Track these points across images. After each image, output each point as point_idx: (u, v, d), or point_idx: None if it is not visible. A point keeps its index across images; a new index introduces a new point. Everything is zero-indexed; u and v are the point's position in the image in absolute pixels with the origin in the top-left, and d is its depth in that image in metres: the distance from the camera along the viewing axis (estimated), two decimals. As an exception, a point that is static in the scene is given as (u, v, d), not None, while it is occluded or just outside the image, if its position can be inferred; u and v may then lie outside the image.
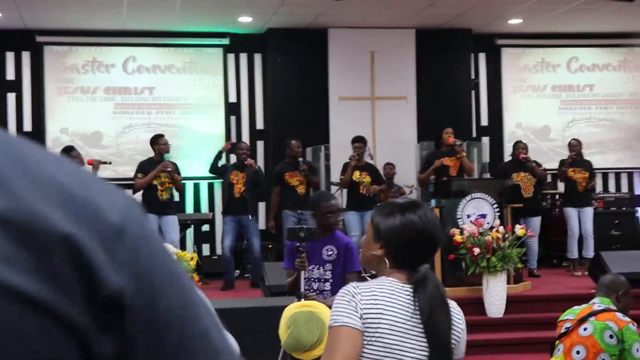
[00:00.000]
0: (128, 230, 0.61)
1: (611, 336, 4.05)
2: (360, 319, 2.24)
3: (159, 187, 8.91)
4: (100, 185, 0.63)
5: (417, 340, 2.28)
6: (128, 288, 0.59)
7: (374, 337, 2.25)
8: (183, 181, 9.66)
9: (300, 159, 9.58)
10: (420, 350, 2.29)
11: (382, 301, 2.27)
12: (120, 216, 0.61)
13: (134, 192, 9.28)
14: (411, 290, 2.31)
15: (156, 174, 8.89)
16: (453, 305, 2.39)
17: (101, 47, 11.24)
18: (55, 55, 11.13)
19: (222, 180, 9.92)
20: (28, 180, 0.58)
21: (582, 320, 4.13)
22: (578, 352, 4.08)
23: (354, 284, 2.34)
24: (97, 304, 0.58)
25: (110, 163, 9.17)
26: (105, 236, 0.59)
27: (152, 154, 9.37)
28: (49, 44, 11.08)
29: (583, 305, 4.28)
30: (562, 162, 9.92)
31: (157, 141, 9.27)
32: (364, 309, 2.25)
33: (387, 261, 2.38)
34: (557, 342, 4.25)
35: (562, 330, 4.22)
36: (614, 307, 4.20)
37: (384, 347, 2.26)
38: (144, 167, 9.17)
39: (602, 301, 4.23)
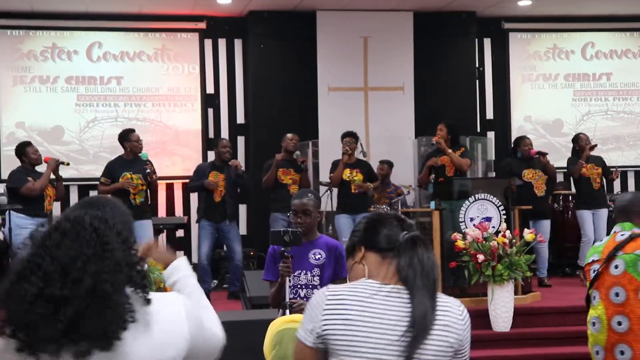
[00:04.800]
0: None
1: None
2: (317, 333, 2.35)
3: (130, 190, 8.77)
4: None
5: (394, 341, 2.32)
6: None
7: (347, 349, 2.31)
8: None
9: (298, 152, 9.58)
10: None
11: (352, 309, 2.34)
12: None
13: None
14: (392, 289, 2.38)
15: (120, 187, 8.72)
16: (451, 301, 2.45)
17: (62, 32, 11.23)
18: (11, 40, 11.11)
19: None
20: None
21: (610, 257, 4.04)
22: (617, 295, 4.00)
23: (325, 289, 2.42)
24: None
25: (68, 164, 9.04)
26: None
27: (120, 151, 9.29)
28: (3, 27, 11.06)
29: (605, 240, 4.20)
30: (570, 160, 9.96)
31: (128, 137, 9.02)
32: (325, 320, 2.34)
33: (370, 258, 2.50)
34: (590, 290, 4.14)
35: (592, 275, 4.11)
36: (638, 230, 4.09)
37: (357, 357, 2.31)
38: (112, 169, 8.92)
39: (624, 227, 4.14)
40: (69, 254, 2.02)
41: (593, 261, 4.13)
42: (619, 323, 3.97)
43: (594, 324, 4.08)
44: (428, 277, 2.38)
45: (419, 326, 2.31)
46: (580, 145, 9.83)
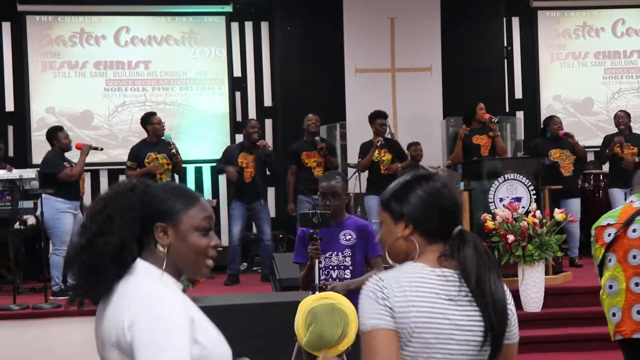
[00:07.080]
0: None
1: None
2: (393, 316, 2.13)
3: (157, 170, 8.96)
4: None
5: (460, 328, 2.16)
6: None
7: (410, 335, 2.13)
8: (183, 165, 9.68)
9: (317, 138, 9.58)
10: (468, 336, 2.16)
11: (410, 292, 2.14)
12: None
13: None
14: (442, 273, 2.19)
15: (147, 172, 8.83)
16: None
17: (90, 17, 11.27)
18: (39, 26, 11.17)
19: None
20: None
21: (628, 222, 4.21)
22: (635, 257, 4.18)
23: (376, 277, 2.20)
24: None
25: (101, 149, 9.15)
26: None
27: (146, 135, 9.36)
28: (32, 13, 11.12)
29: (621, 206, 4.40)
30: (607, 138, 9.91)
31: (150, 120, 9.21)
32: (396, 302, 2.13)
33: (417, 239, 2.25)
34: (605, 252, 4.29)
35: (606, 238, 4.28)
36: None
37: (424, 345, 2.14)
38: (137, 153, 9.11)
39: (639, 197, 4.32)
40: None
41: (608, 224, 4.29)
42: (637, 284, 4.17)
43: (610, 286, 4.27)
44: (492, 262, 2.22)
45: (500, 318, 2.17)
46: (615, 123, 9.87)
